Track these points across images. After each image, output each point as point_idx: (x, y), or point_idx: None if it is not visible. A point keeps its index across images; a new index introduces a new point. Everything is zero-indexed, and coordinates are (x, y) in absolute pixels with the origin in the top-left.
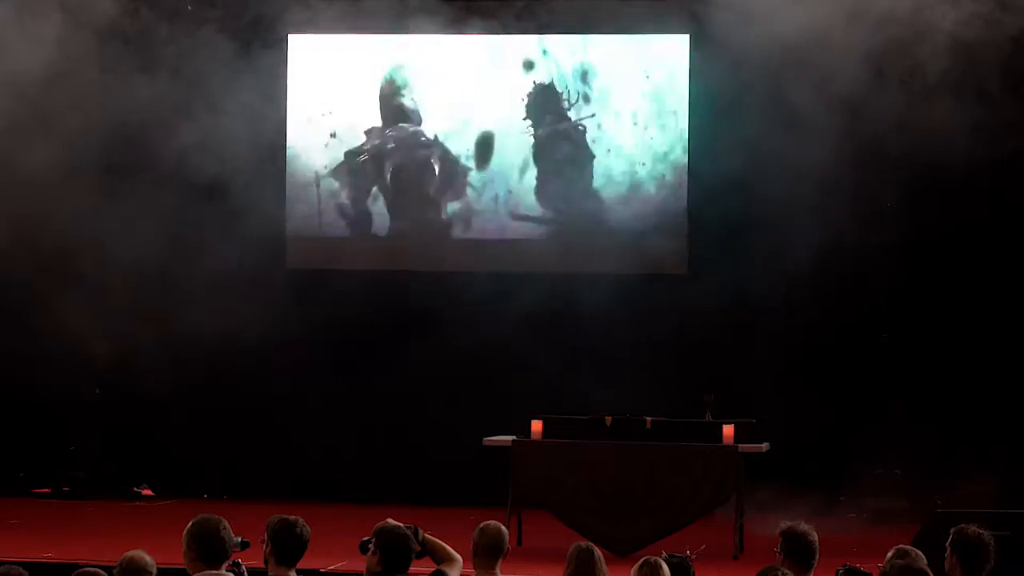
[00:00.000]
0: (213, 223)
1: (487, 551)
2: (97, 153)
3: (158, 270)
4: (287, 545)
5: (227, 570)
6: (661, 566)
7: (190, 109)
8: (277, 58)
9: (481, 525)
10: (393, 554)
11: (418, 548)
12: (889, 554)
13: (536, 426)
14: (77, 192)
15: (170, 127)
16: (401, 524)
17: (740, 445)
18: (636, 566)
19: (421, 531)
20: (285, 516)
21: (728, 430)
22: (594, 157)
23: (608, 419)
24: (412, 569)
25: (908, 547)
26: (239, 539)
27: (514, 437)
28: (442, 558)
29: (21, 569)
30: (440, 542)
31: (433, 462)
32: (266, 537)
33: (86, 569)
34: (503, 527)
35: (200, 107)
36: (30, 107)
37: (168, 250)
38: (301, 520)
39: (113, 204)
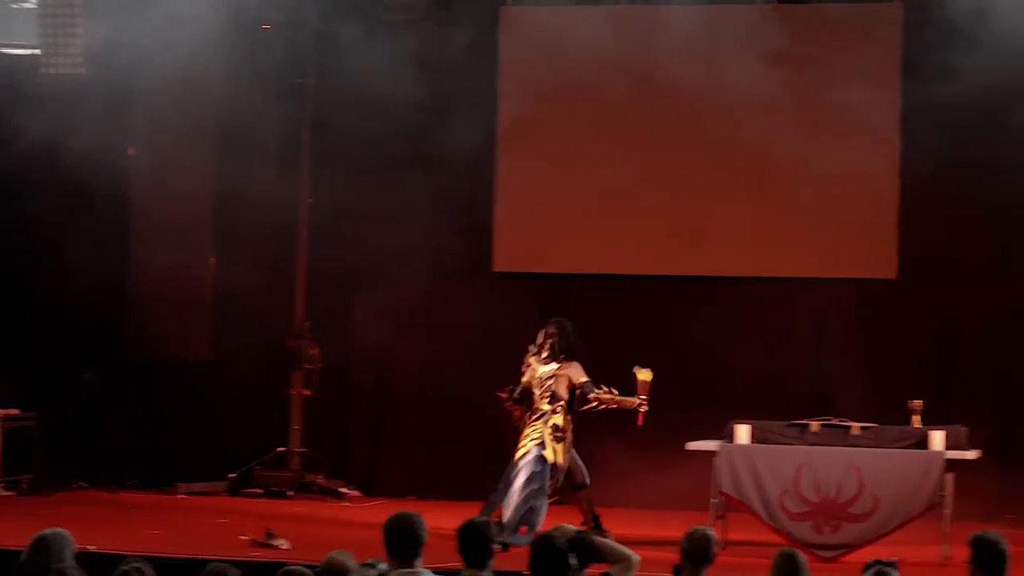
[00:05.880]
0: None
1: (695, 557)
2: None
3: None
4: (400, 541)
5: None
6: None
7: None
8: None
9: (689, 530)
10: (541, 563)
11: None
12: None
13: (741, 431)
14: None
15: None
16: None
17: (948, 451)
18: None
19: (591, 535)
20: (402, 511)
21: (936, 436)
22: None
23: (815, 424)
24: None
25: None
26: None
27: (720, 442)
28: (614, 560)
29: (231, 567)
30: (612, 543)
31: (635, 465)
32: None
33: (292, 567)
34: (711, 532)
35: None
36: None
37: None
38: (417, 515)
39: None
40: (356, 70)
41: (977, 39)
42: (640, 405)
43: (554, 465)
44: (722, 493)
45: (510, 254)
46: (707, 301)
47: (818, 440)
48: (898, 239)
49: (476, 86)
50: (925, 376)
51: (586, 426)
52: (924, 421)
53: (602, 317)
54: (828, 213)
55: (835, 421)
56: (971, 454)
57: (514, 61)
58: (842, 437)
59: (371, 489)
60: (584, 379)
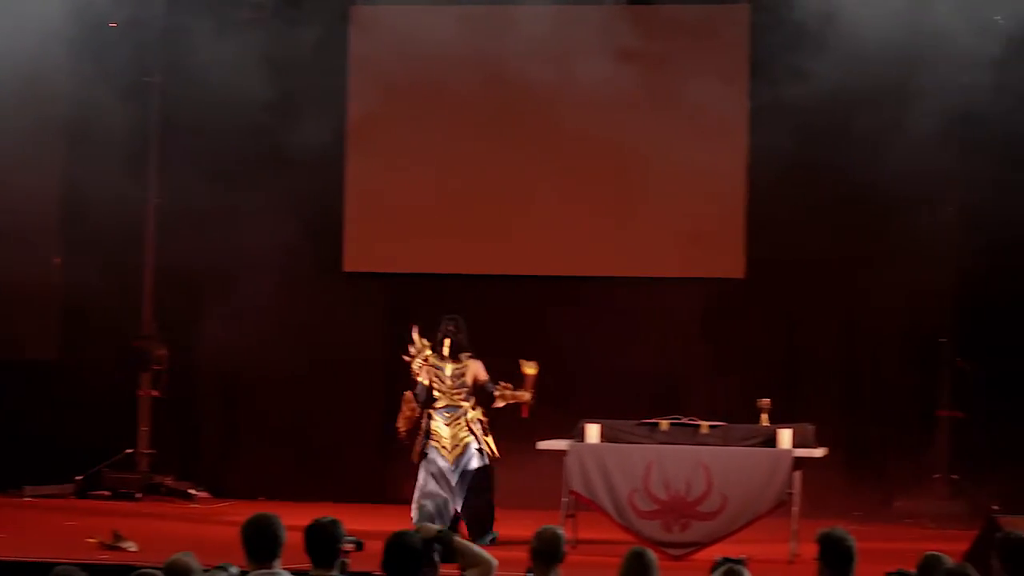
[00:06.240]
0: None
1: (544, 556)
2: None
3: None
4: (258, 541)
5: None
6: (743, 574)
7: None
8: None
9: (538, 530)
10: (394, 562)
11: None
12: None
13: (591, 430)
14: None
15: None
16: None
17: (796, 450)
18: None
19: (453, 535)
20: (260, 512)
21: (784, 434)
22: None
23: (664, 423)
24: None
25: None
26: (354, 538)
27: (570, 441)
28: (470, 563)
29: (79, 570)
30: (472, 547)
31: None
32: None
33: (144, 571)
34: (560, 531)
35: None
36: None
37: None
38: (275, 516)
39: None
40: (204, 68)
41: (824, 42)
42: (531, 399)
43: (493, 458)
44: (572, 492)
45: (360, 254)
46: (557, 301)
47: (667, 439)
48: (746, 239)
49: (326, 85)
50: (773, 375)
51: None
52: (772, 419)
53: None
54: (677, 212)
55: (684, 420)
56: (818, 452)
57: (364, 60)
58: (691, 436)
59: (220, 490)
60: (487, 376)
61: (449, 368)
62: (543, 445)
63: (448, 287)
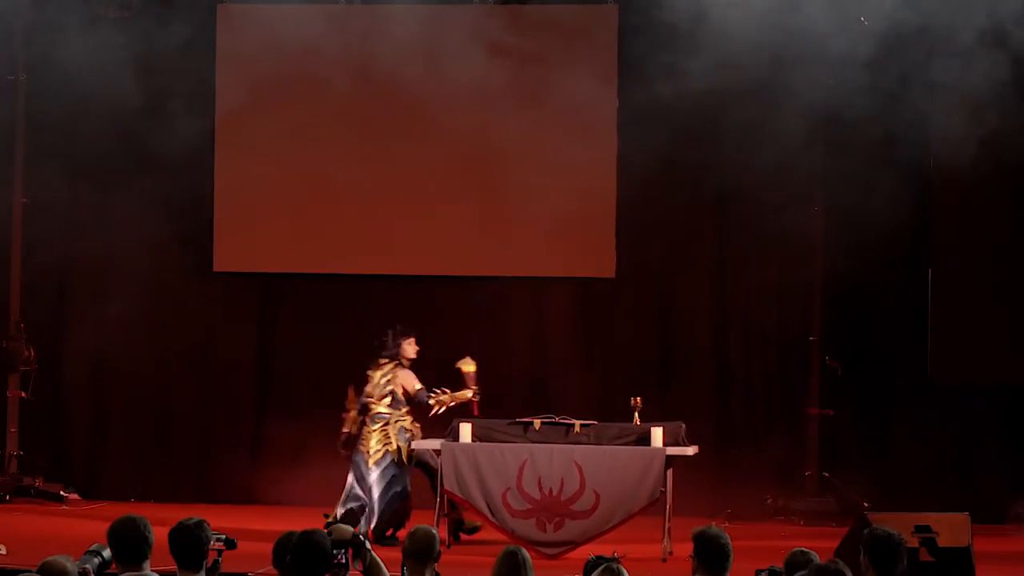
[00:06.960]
0: None
1: (418, 556)
2: None
3: None
4: (126, 544)
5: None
6: (622, 573)
7: None
8: None
9: (411, 530)
10: (302, 560)
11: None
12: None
13: (465, 430)
14: None
15: None
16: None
17: (668, 448)
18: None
19: (367, 545)
20: (127, 515)
21: (656, 433)
22: None
23: (537, 422)
24: None
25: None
26: (224, 536)
27: (443, 440)
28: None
29: None
30: (378, 562)
31: None
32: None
33: (19, 574)
34: (433, 531)
35: None
36: None
37: None
38: (143, 518)
39: None
40: (70, 66)
41: (693, 42)
42: (475, 395)
43: (406, 466)
44: (446, 491)
45: (230, 254)
46: (429, 300)
47: (540, 438)
48: (616, 239)
49: (195, 84)
50: (646, 374)
51: (313, 429)
52: (644, 418)
53: (324, 317)
54: (549, 212)
55: (557, 419)
56: (690, 450)
57: (232, 58)
58: (564, 435)
59: (91, 491)
60: (419, 386)
61: (377, 376)
62: (416, 445)
63: (319, 287)
